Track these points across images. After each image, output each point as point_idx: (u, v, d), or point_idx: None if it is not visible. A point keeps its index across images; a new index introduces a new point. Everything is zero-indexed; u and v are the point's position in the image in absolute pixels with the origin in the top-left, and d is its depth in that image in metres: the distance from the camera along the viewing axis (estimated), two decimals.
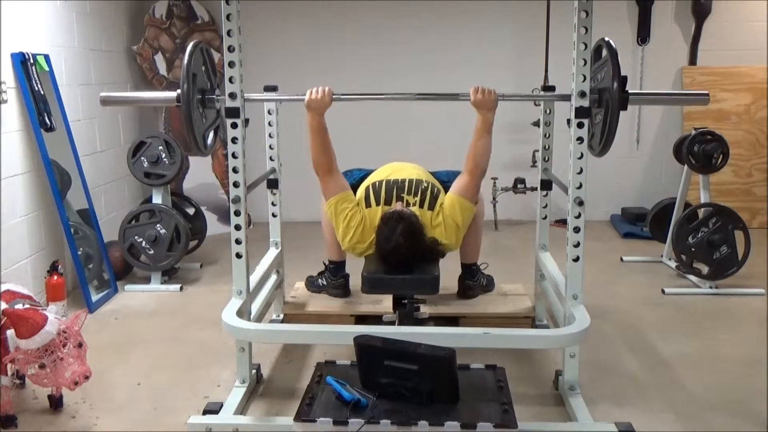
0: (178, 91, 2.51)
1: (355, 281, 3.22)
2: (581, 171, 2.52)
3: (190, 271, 4.46)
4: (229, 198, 2.65)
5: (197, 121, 2.59)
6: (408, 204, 2.92)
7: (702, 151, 4.06)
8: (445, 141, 5.45)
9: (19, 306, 2.57)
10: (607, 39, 2.52)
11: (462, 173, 2.94)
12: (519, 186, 5.46)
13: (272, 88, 3.24)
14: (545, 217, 3.34)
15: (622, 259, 4.66)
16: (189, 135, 2.56)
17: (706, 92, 2.70)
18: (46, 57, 3.83)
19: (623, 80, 2.41)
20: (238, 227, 2.63)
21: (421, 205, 2.91)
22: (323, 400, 2.28)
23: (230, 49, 2.52)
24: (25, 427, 2.53)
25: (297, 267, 3.81)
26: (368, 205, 2.94)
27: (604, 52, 2.54)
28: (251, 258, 2.72)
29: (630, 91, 2.44)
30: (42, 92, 3.64)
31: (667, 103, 5.35)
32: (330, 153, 2.88)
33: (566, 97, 2.56)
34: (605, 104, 2.48)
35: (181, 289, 4.11)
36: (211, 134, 2.80)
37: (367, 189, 3.02)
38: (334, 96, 2.73)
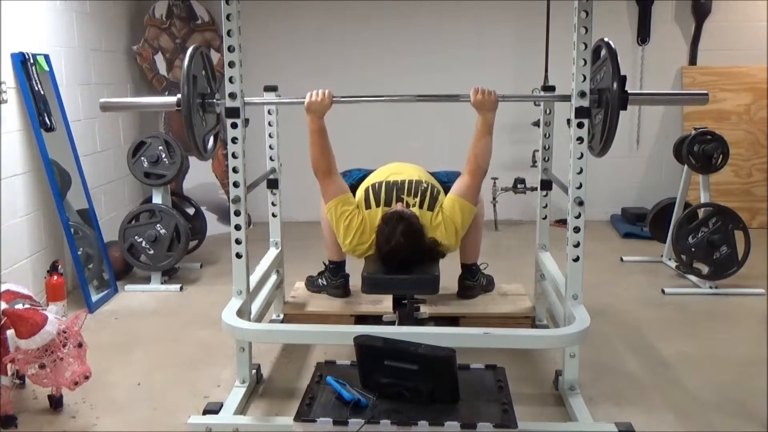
0: (179, 95, 2.50)
1: (355, 281, 3.22)
2: (581, 171, 2.53)
3: (190, 271, 4.46)
4: (229, 198, 2.65)
5: (198, 125, 2.58)
6: (408, 205, 2.91)
7: (702, 151, 4.06)
8: (445, 141, 5.47)
9: (19, 306, 2.57)
10: (606, 39, 2.52)
11: (463, 174, 2.94)
12: (519, 186, 5.46)
13: (272, 88, 3.24)
14: (545, 217, 3.34)
15: (622, 259, 4.66)
16: (190, 139, 2.55)
17: (706, 92, 2.69)
18: (46, 57, 3.83)
19: (623, 80, 2.42)
20: (238, 227, 2.64)
21: (421, 206, 2.90)
22: (323, 400, 2.28)
23: (230, 49, 2.52)
24: (25, 427, 2.53)
25: (297, 267, 3.81)
26: (368, 206, 2.94)
27: (603, 52, 2.54)
28: (251, 258, 2.72)
29: (629, 91, 2.44)
30: (42, 92, 3.64)
31: (666, 103, 5.36)
32: (329, 155, 2.88)
33: (566, 98, 2.56)
34: (605, 104, 2.48)
35: (181, 289, 4.11)
36: (212, 138, 2.80)
37: (366, 190, 3.01)
38: (334, 98, 2.74)
